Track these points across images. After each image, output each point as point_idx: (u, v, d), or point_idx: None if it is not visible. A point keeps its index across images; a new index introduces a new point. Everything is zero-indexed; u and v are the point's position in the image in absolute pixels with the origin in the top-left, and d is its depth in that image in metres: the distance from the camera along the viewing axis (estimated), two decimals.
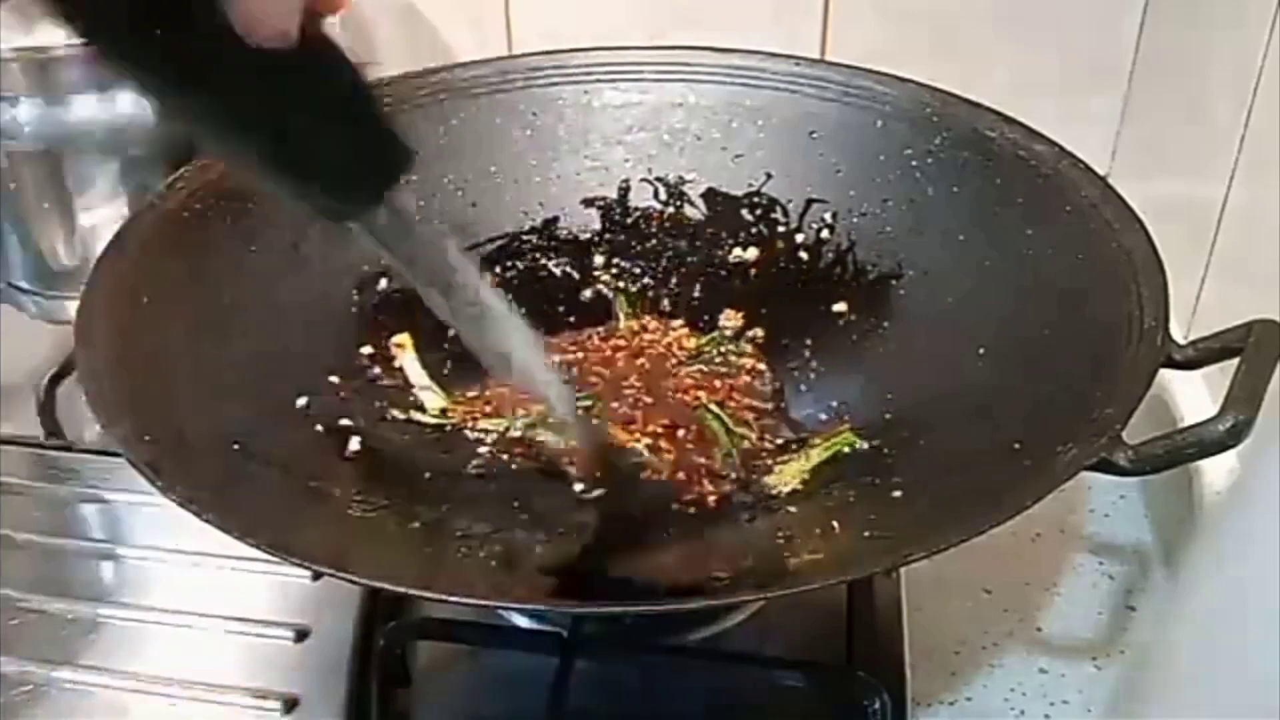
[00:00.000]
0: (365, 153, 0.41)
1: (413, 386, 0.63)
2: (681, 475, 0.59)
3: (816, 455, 0.58)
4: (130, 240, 0.59)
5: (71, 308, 0.56)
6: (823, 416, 0.62)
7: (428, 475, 0.59)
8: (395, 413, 0.62)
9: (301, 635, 0.60)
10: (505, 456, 0.61)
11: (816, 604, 0.61)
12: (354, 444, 0.59)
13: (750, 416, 0.62)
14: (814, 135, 0.68)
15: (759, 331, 0.66)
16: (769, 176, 0.68)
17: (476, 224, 0.69)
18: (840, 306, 0.65)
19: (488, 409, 0.63)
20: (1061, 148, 0.61)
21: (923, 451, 0.55)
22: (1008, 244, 0.60)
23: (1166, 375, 0.53)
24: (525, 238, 0.70)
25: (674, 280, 0.69)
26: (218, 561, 0.64)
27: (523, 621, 0.60)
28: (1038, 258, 0.59)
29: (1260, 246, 0.60)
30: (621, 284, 0.69)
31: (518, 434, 0.61)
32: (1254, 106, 0.63)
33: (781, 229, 0.68)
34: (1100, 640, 0.62)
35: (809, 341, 0.65)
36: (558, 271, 0.70)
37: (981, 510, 0.45)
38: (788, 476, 0.58)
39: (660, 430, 0.61)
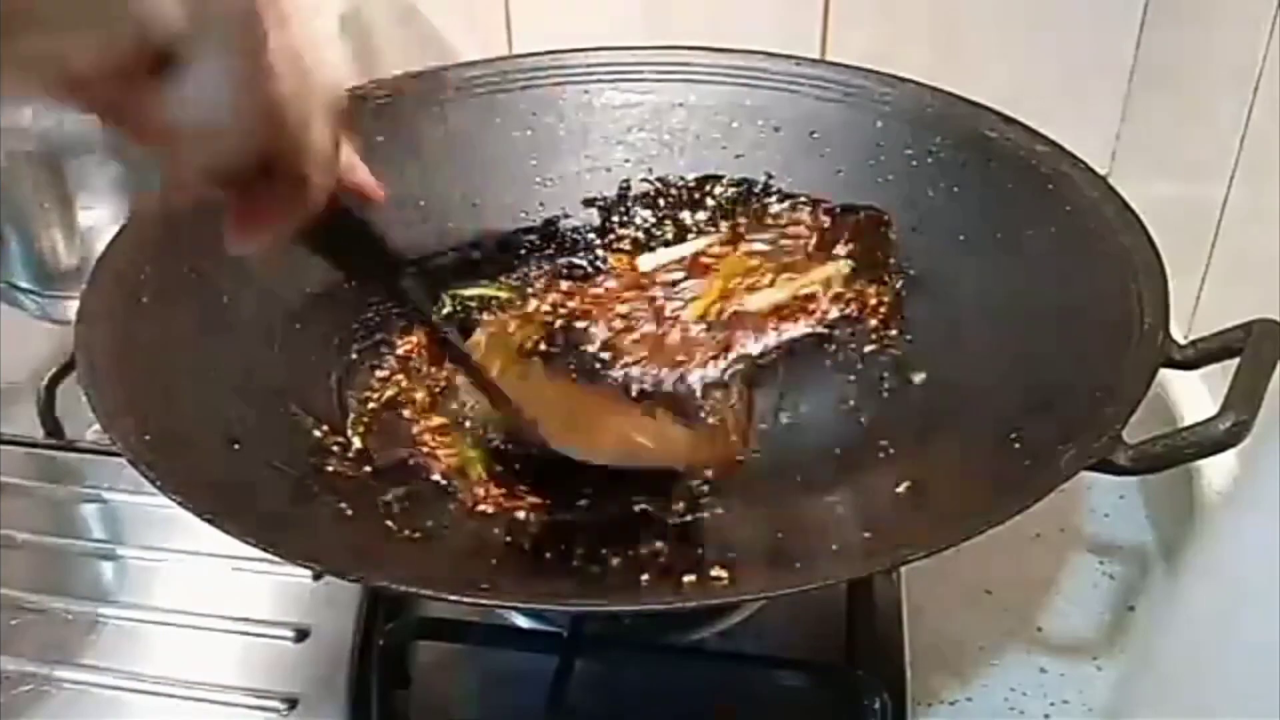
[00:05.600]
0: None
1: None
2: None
3: None
4: (130, 240, 0.59)
5: (71, 308, 0.56)
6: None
7: (427, 475, 0.59)
8: (398, 412, 0.62)
9: (301, 635, 0.60)
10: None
11: (816, 604, 0.61)
12: (355, 444, 0.59)
13: None
14: (814, 135, 0.68)
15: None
16: (769, 177, 0.68)
17: (477, 224, 0.69)
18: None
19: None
20: (1062, 148, 0.61)
21: (922, 451, 0.55)
22: (1008, 244, 0.60)
23: (1166, 375, 0.53)
24: (525, 238, 0.70)
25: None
26: (218, 561, 0.64)
27: (523, 621, 0.61)
28: (1038, 258, 0.59)
29: (1260, 246, 0.60)
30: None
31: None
32: (1254, 106, 0.63)
33: None
34: (1100, 640, 0.62)
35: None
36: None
37: (981, 510, 0.46)
38: None
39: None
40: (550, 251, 0.69)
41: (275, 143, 0.41)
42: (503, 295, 0.68)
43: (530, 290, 0.68)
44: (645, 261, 0.68)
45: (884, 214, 0.65)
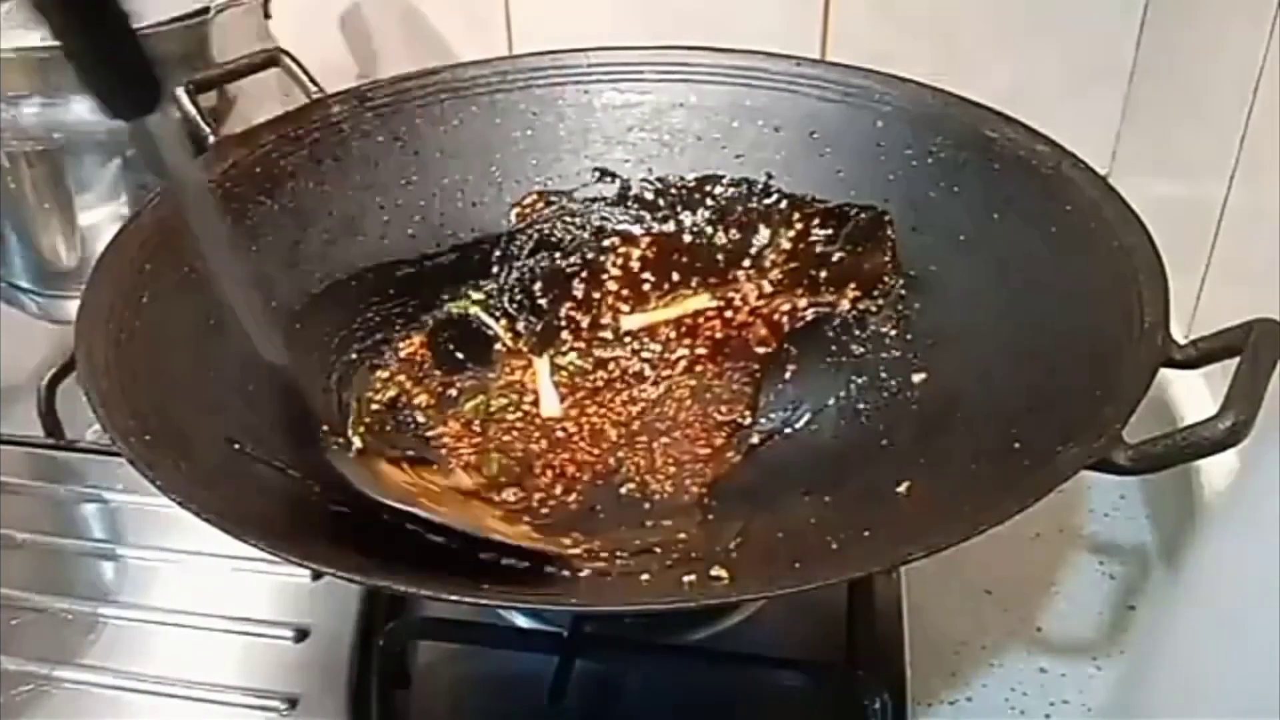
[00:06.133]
0: (121, 75, 0.47)
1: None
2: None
3: None
4: (130, 240, 0.59)
5: (71, 308, 0.56)
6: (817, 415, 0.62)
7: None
8: (399, 413, 0.62)
9: (301, 635, 0.60)
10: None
11: (816, 604, 0.61)
12: (355, 444, 0.59)
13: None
14: (814, 135, 0.67)
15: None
16: (770, 177, 0.68)
17: (477, 224, 0.69)
18: (841, 306, 0.65)
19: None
20: (1062, 148, 0.61)
21: (923, 451, 0.55)
22: (1008, 244, 0.60)
23: (1166, 375, 0.53)
24: (525, 239, 0.69)
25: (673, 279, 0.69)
26: (218, 561, 0.64)
27: (523, 621, 0.61)
28: (1038, 258, 0.59)
29: (1260, 246, 0.60)
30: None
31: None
32: (1254, 106, 0.63)
33: None
34: (1100, 640, 0.62)
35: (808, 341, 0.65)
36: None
37: (981, 510, 0.45)
38: None
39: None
40: (551, 252, 0.69)
41: None
42: (504, 298, 0.68)
43: (530, 293, 0.68)
44: (630, 322, 0.68)
45: (884, 214, 0.65)
